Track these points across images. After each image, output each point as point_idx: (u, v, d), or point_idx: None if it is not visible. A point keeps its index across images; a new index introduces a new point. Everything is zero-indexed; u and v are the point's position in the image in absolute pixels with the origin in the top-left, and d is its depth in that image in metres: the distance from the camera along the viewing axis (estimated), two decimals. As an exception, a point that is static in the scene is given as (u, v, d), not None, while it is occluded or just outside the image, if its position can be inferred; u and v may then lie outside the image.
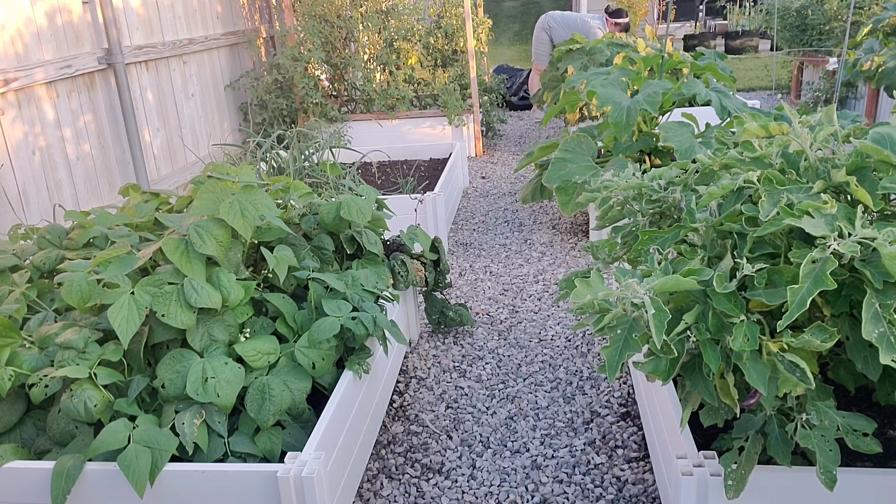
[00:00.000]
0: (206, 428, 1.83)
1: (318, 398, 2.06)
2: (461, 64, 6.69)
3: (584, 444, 2.35)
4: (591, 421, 2.47)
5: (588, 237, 4.33)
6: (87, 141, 4.06)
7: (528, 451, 2.34)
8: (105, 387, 1.85)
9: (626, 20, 7.02)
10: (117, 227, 2.47)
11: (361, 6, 6.33)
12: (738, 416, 1.62)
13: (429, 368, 2.89)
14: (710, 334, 1.50)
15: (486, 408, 2.60)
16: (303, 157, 4.17)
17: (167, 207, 2.67)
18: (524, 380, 2.77)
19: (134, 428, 1.77)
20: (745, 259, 1.53)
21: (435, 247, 2.94)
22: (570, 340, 3.06)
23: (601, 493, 2.11)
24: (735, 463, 1.60)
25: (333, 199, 2.57)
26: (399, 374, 2.84)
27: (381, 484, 2.21)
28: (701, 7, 14.44)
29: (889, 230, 1.38)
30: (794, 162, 1.77)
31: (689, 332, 1.51)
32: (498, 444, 2.38)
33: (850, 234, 1.41)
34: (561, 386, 2.71)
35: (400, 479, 2.23)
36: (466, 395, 2.69)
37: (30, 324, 2.09)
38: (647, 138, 3.79)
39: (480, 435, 2.43)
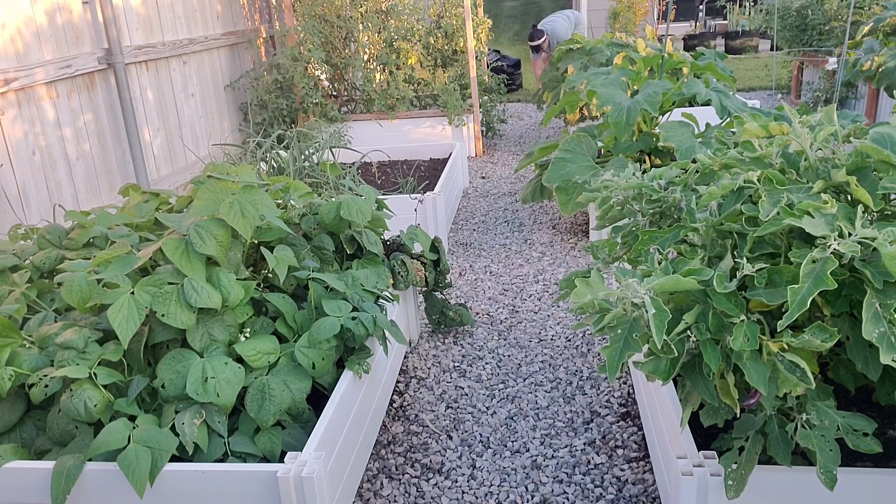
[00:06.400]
0: (206, 428, 1.83)
1: (318, 398, 2.06)
2: (461, 64, 6.69)
3: (584, 444, 2.35)
4: (591, 421, 2.47)
5: (588, 237, 4.33)
6: (87, 141, 4.06)
7: (528, 451, 2.34)
8: (105, 387, 1.85)
9: (539, 42, 7.35)
10: (117, 227, 2.47)
11: (361, 6, 6.32)
12: (738, 416, 1.62)
13: (429, 368, 2.89)
14: (710, 334, 1.50)
15: (486, 408, 2.60)
16: (303, 157, 4.17)
17: (167, 207, 2.67)
18: (524, 380, 2.77)
19: (134, 428, 1.77)
20: (745, 259, 1.53)
21: (435, 247, 2.94)
22: (570, 340, 3.06)
23: (601, 493, 2.11)
24: (735, 463, 1.60)
25: (333, 199, 2.57)
26: (399, 374, 2.84)
27: (381, 484, 2.21)
28: (701, 7, 14.44)
29: (889, 230, 1.38)
30: (794, 162, 1.77)
31: (689, 331, 1.51)
32: (498, 443, 2.38)
33: (850, 234, 1.41)
34: (561, 386, 2.71)
35: (400, 479, 2.23)
36: (466, 395, 2.69)
37: (30, 324, 2.09)
38: (648, 138, 3.79)
39: (480, 435, 2.43)
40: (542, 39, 7.24)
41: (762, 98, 8.40)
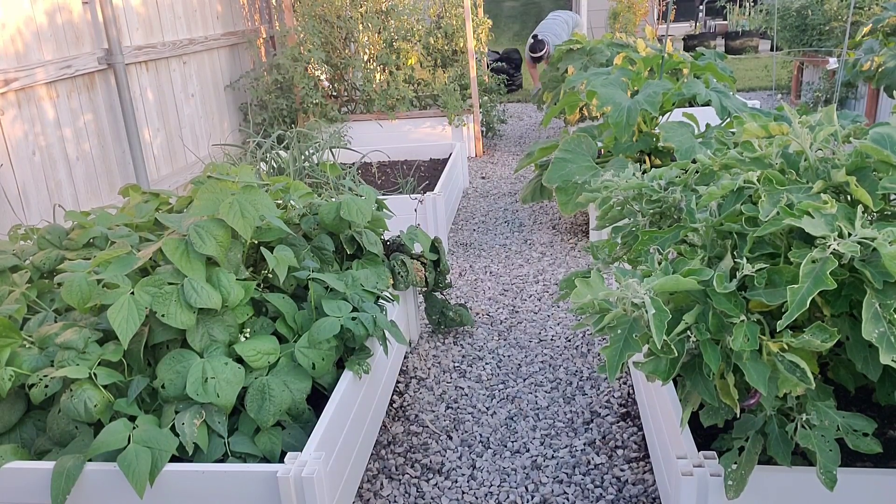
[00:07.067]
0: (206, 428, 1.83)
1: (318, 398, 2.06)
2: (461, 64, 6.69)
3: (584, 444, 2.35)
4: (591, 421, 2.47)
5: (588, 237, 4.33)
6: (87, 141, 4.06)
7: (528, 451, 2.34)
8: (105, 387, 1.85)
9: (541, 54, 7.22)
10: (117, 228, 2.47)
11: (361, 6, 6.33)
12: (738, 416, 1.62)
13: (429, 369, 2.89)
14: (710, 334, 1.50)
15: (486, 408, 2.60)
16: (303, 157, 4.17)
17: (167, 207, 2.67)
18: (524, 380, 2.77)
19: (134, 428, 1.77)
20: (745, 259, 1.53)
21: (435, 247, 2.94)
22: (570, 340, 3.06)
23: (601, 494, 2.11)
24: (735, 463, 1.60)
25: (333, 200, 2.57)
26: (399, 374, 2.84)
27: (381, 484, 2.21)
28: (701, 7, 14.44)
29: (889, 230, 1.38)
30: (794, 162, 1.77)
31: (689, 332, 1.51)
32: (498, 444, 2.38)
33: (850, 234, 1.41)
34: (561, 386, 2.71)
35: (400, 480, 2.23)
36: (466, 395, 2.69)
37: (30, 324, 2.09)
38: (648, 138, 3.79)
39: (480, 435, 2.43)
40: (544, 51, 7.17)
41: (762, 98, 8.40)
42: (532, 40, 7.27)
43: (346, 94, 6.66)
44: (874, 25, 5.68)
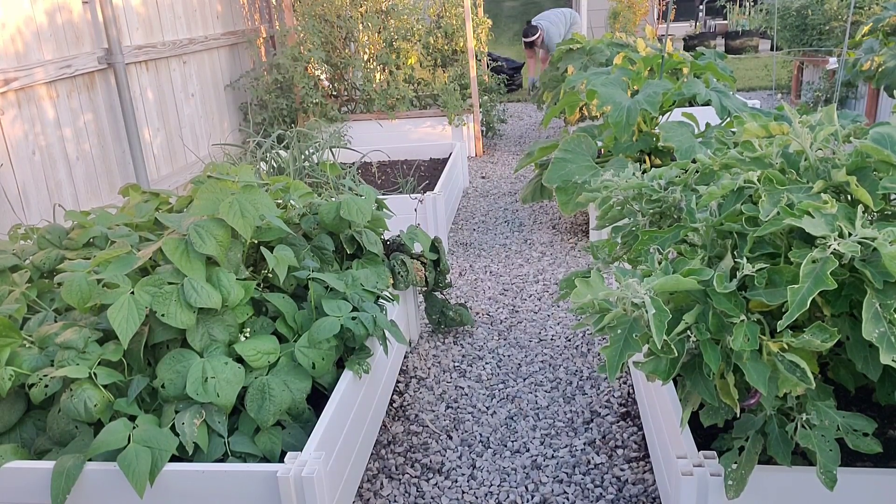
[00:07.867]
0: (206, 428, 1.83)
1: (318, 398, 2.06)
2: (461, 64, 6.69)
3: (584, 443, 2.35)
4: (591, 421, 2.47)
5: (588, 237, 4.33)
6: (87, 141, 4.06)
7: (528, 450, 2.34)
8: (105, 387, 1.85)
9: (533, 38, 7.25)
10: (117, 227, 2.47)
11: (361, 6, 6.32)
12: (738, 416, 1.62)
13: (429, 368, 2.89)
14: (710, 334, 1.50)
15: (486, 408, 2.60)
16: (303, 157, 4.17)
17: (167, 207, 2.67)
18: (524, 380, 2.77)
19: (134, 428, 1.77)
20: (745, 259, 1.52)
21: (435, 247, 2.94)
22: (570, 340, 3.06)
23: (601, 493, 2.11)
24: (735, 463, 1.60)
25: (333, 199, 2.57)
26: (399, 374, 2.84)
27: (381, 484, 2.21)
28: (701, 7, 14.45)
29: (889, 230, 1.38)
30: (794, 162, 1.77)
31: (689, 331, 1.51)
32: (498, 443, 2.38)
33: (850, 234, 1.41)
34: (561, 386, 2.71)
35: (400, 479, 2.23)
36: (466, 394, 2.69)
37: (30, 324, 2.09)
38: (648, 138, 3.79)
39: (480, 435, 2.43)
40: (537, 35, 7.25)
41: (762, 98, 8.40)
42: (525, 25, 7.37)
43: (346, 93, 6.66)
44: (874, 25, 5.68)
